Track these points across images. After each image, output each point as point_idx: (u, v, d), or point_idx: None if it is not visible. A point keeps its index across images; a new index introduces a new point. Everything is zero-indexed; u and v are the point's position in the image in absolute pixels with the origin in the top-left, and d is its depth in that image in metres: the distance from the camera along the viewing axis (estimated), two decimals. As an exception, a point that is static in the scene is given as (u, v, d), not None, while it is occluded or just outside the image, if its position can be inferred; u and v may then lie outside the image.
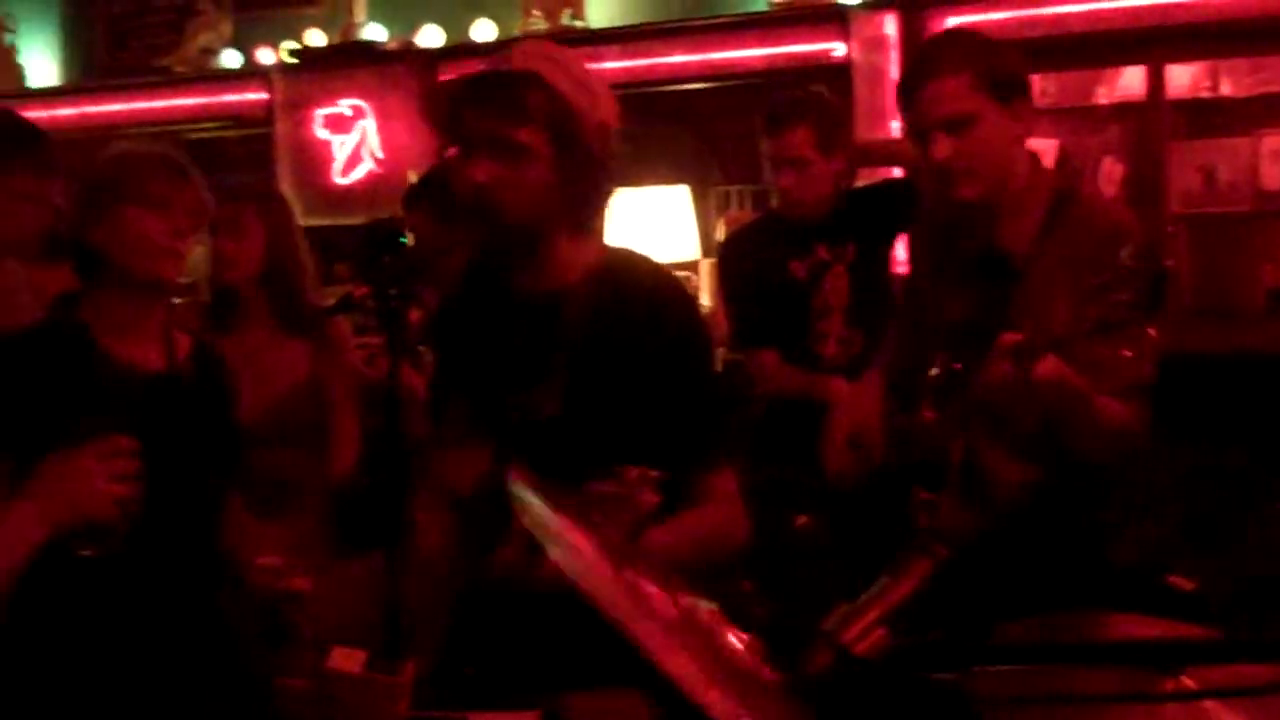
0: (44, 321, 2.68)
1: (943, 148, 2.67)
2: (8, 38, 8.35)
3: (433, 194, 3.66)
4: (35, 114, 3.92)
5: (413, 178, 6.48)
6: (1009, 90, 2.70)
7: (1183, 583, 2.74)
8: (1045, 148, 5.49)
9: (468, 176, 2.30)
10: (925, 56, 2.79)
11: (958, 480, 2.65)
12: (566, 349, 2.35)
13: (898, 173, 4.59)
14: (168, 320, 2.77)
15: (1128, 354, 2.22)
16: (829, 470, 3.01)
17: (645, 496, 2.00)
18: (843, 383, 3.79)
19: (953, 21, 5.63)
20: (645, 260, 2.47)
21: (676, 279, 2.50)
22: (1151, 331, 2.17)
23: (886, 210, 4.21)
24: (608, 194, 2.41)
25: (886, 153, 4.74)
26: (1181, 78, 5.52)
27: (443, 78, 6.72)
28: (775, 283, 4.13)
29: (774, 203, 4.27)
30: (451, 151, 2.36)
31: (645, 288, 2.38)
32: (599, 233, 2.46)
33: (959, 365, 2.58)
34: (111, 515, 2.15)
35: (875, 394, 3.01)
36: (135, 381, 2.61)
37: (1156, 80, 5.41)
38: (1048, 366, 2.37)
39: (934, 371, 2.69)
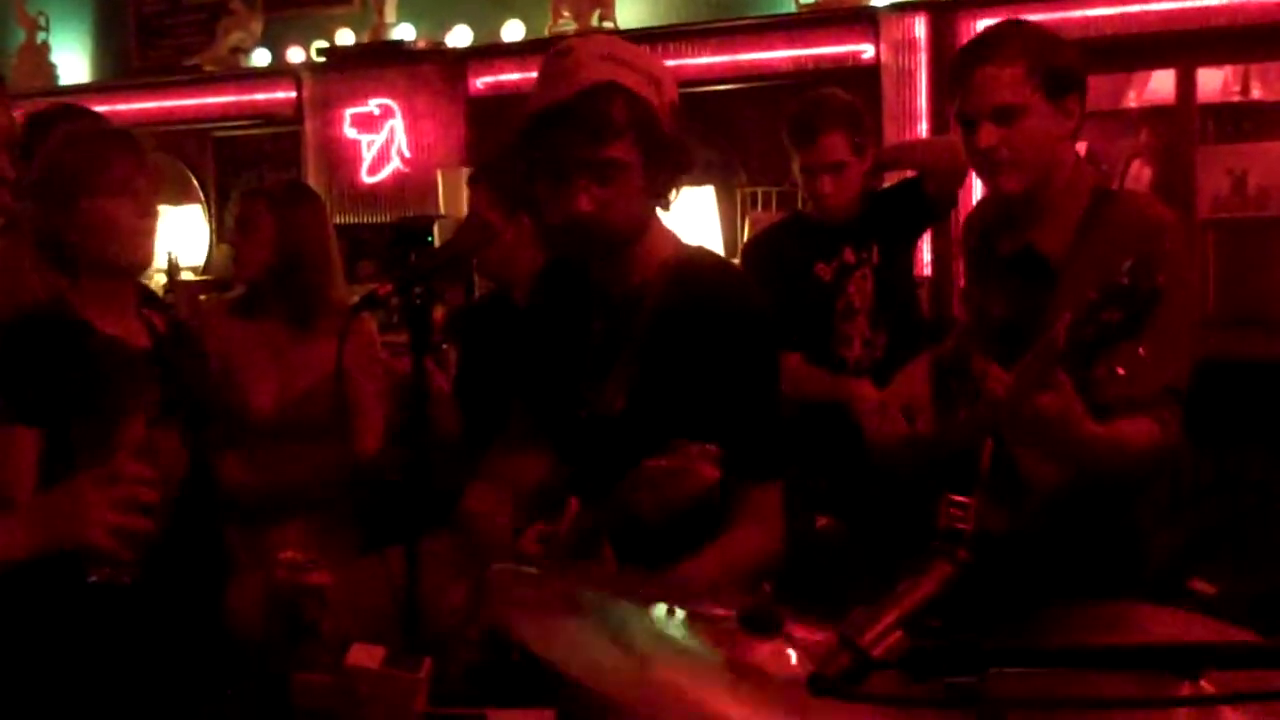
0: (43, 304, 2.70)
1: (989, 135, 2.66)
2: (40, 35, 8.40)
3: (494, 179, 3.66)
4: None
5: (441, 177, 6.51)
6: (1062, 86, 2.67)
7: (1206, 587, 2.72)
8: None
9: (568, 205, 2.29)
10: (981, 42, 2.76)
11: (988, 481, 2.64)
12: (636, 346, 2.36)
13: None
14: (138, 299, 2.79)
15: (1121, 371, 2.20)
16: (875, 441, 2.99)
17: (705, 470, 2.00)
18: (868, 385, 3.78)
19: (983, 24, 5.59)
20: (719, 260, 2.49)
21: (750, 282, 2.49)
22: (1141, 351, 2.16)
23: (910, 211, 4.20)
24: (684, 174, 2.41)
25: (913, 158, 4.73)
26: (1212, 81, 5.49)
27: (472, 78, 6.74)
28: (800, 285, 4.12)
29: (801, 205, 4.26)
30: (540, 185, 2.35)
31: (717, 288, 2.38)
32: (666, 228, 2.46)
33: (994, 365, 2.57)
34: (107, 545, 2.00)
35: (925, 372, 3.01)
36: (126, 358, 2.65)
37: (1186, 84, 5.38)
38: (1047, 401, 2.33)
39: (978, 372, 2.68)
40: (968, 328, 2.99)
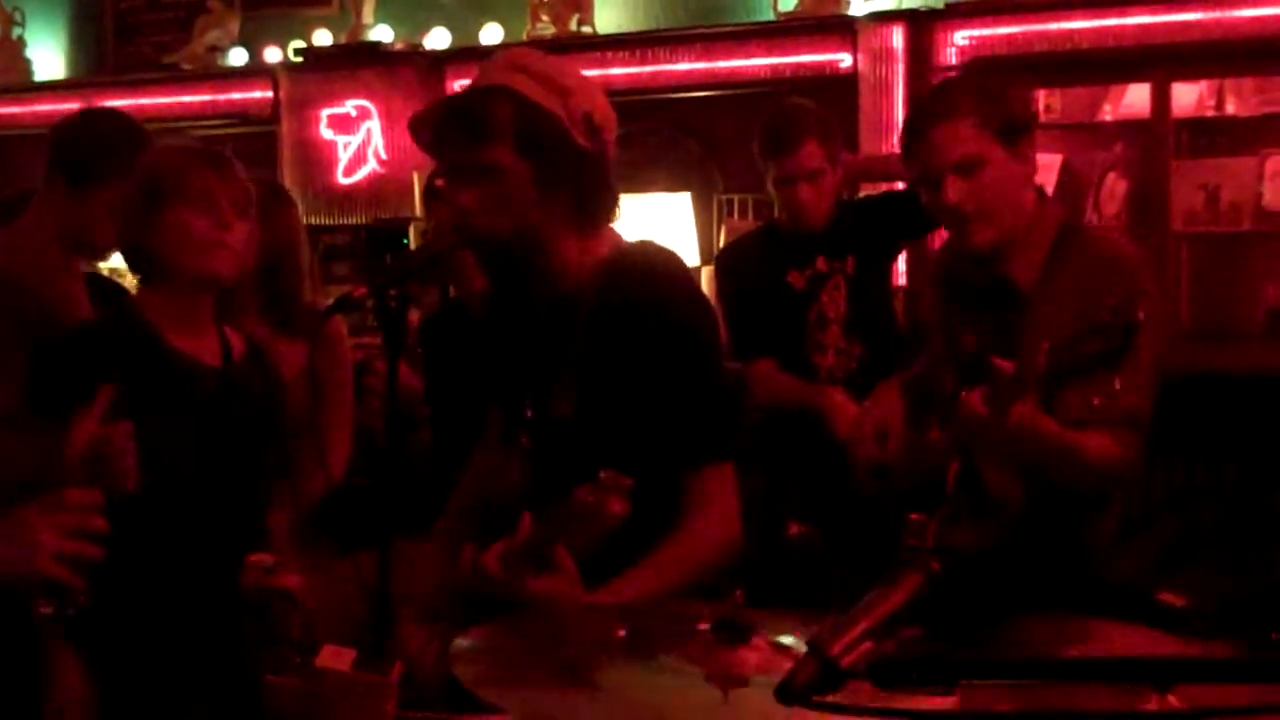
0: (110, 318, 2.73)
1: (955, 191, 2.69)
2: (15, 31, 8.35)
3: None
4: (42, 108, 3.95)
5: (418, 179, 6.50)
6: (1015, 133, 2.72)
7: (1174, 599, 2.74)
8: (1049, 163, 5.49)
9: (455, 203, 2.33)
10: (932, 101, 2.81)
11: (956, 498, 2.66)
12: (577, 349, 2.35)
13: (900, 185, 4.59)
14: (219, 316, 2.81)
15: (1097, 401, 2.25)
16: (858, 462, 3.01)
17: (614, 506, 2.00)
18: (840, 393, 3.79)
19: (960, 35, 5.64)
20: (657, 253, 2.44)
21: (687, 274, 2.48)
22: (1116, 384, 2.20)
23: (888, 223, 4.21)
24: (607, 187, 2.39)
25: (885, 168, 4.75)
26: (1187, 96, 5.52)
27: (450, 80, 6.74)
28: (773, 293, 4.13)
29: (777, 213, 4.27)
30: (439, 181, 2.38)
31: (653, 284, 2.36)
32: (610, 230, 2.45)
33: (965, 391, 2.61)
34: (56, 573, 1.94)
35: (897, 394, 3.03)
36: (198, 376, 2.68)
37: (1162, 98, 5.40)
38: (1020, 412, 2.38)
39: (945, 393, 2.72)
40: (937, 356, 3.02)
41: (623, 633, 1.76)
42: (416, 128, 2.39)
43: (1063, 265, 2.69)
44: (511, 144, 2.27)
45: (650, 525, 2.21)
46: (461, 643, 1.76)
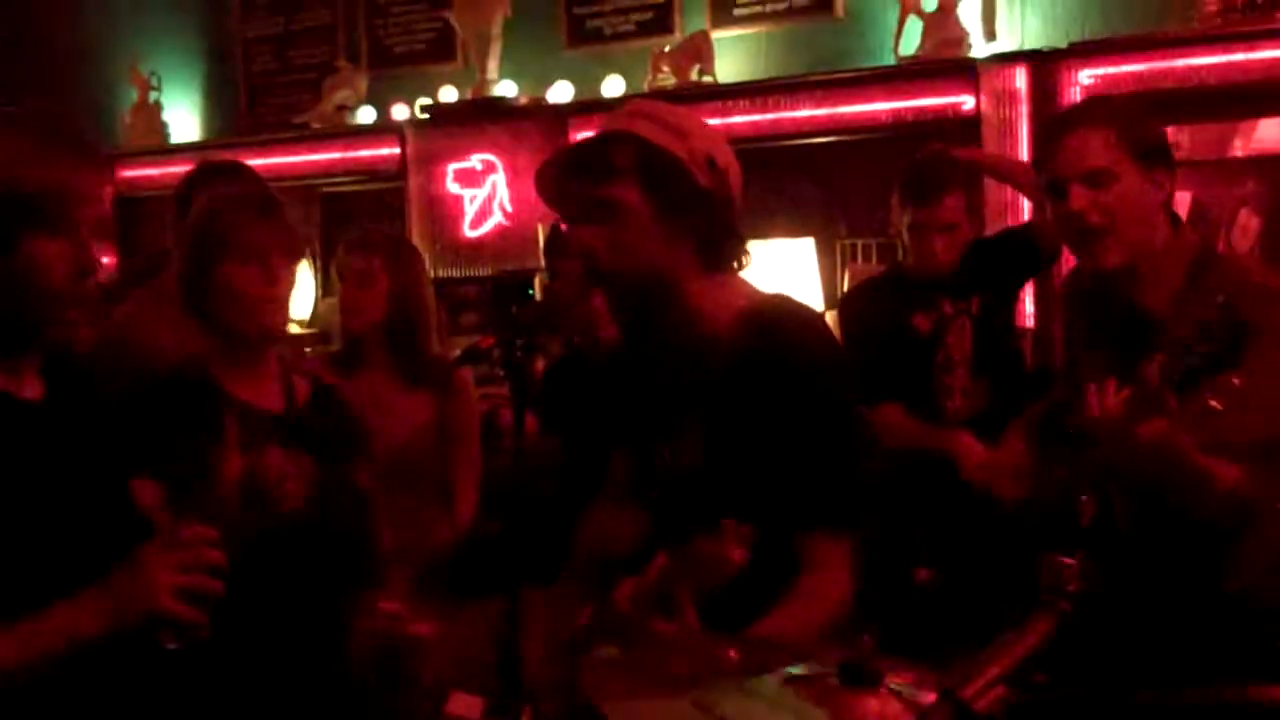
0: (179, 366, 2.76)
1: (1080, 198, 2.64)
2: (152, 95, 8.61)
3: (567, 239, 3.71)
4: (177, 169, 4.07)
5: (543, 231, 6.57)
6: (1151, 156, 2.67)
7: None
8: (1180, 201, 5.40)
9: (578, 245, 2.36)
10: (1069, 111, 2.80)
11: (1089, 540, 2.61)
12: (709, 399, 2.34)
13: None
14: (285, 363, 2.84)
15: (1216, 405, 2.17)
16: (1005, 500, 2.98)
17: (733, 553, 1.99)
18: (968, 435, 3.76)
19: (1085, 74, 5.58)
20: (796, 308, 2.42)
21: (829, 331, 2.45)
22: (1235, 380, 2.12)
23: (1009, 259, 4.18)
24: (731, 231, 2.39)
25: (1011, 171, 4.71)
26: (1319, 129, 5.42)
27: (573, 133, 6.81)
28: (898, 337, 4.11)
29: (902, 257, 4.25)
30: (564, 225, 2.41)
31: (788, 337, 2.32)
32: (742, 277, 2.45)
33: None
34: (179, 610, 2.02)
35: (1026, 438, 3.01)
36: (256, 420, 2.68)
37: (1294, 132, 5.30)
38: (1153, 428, 2.33)
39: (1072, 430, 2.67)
40: (1066, 390, 2.96)
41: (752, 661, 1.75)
42: (543, 177, 2.42)
43: (1197, 296, 2.59)
44: (634, 180, 2.29)
45: (767, 582, 2.20)
46: (595, 655, 1.77)
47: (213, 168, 3.75)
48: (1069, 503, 2.64)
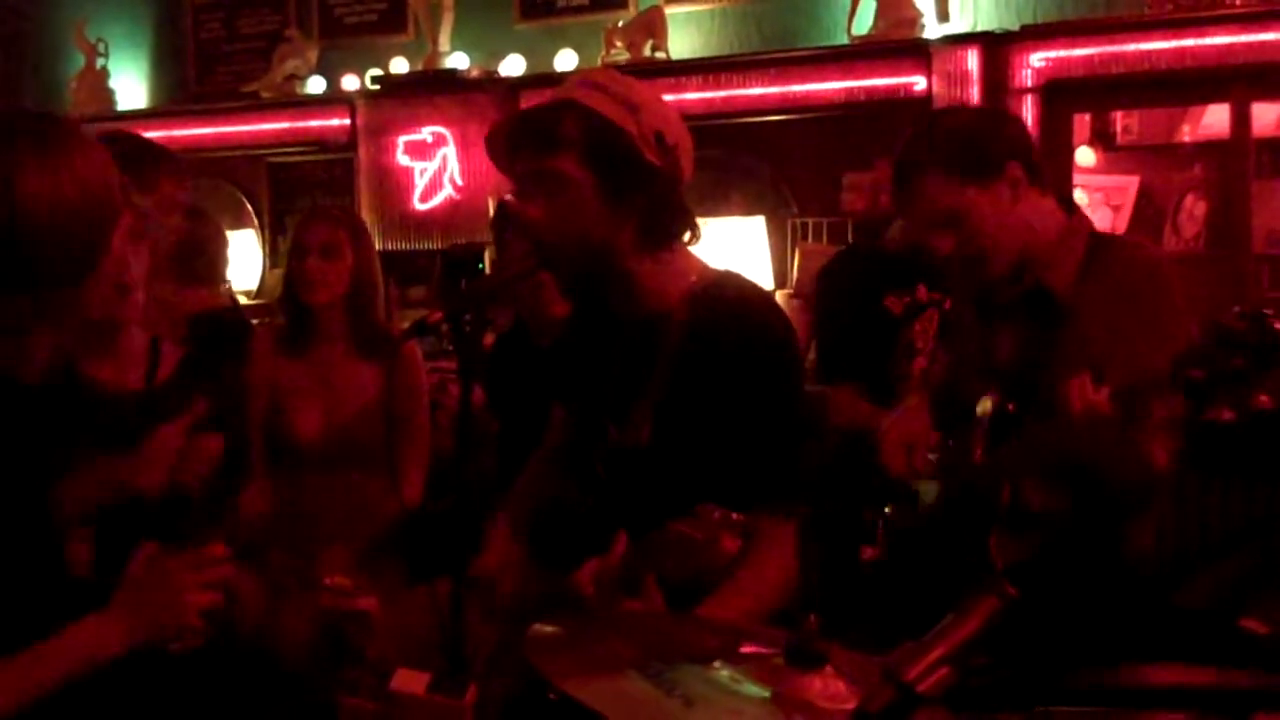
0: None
1: (944, 244, 2.69)
2: (99, 61, 8.51)
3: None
4: (123, 136, 4.02)
5: (492, 204, 6.54)
6: (982, 169, 2.68)
7: (1257, 626, 2.69)
8: (1126, 185, 5.45)
9: (520, 214, 2.34)
10: (900, 161, 2.77)
11: (1007, 517, 2.64)
12: (659, 376, 2.34)
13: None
14: (151, 339, 2.80)
15: (1229, 416, 2.18)
16: (890, 471, 3.01)
17: (728, 543, 1.99)
18: (890, 418, 3.78)
19: (1036, 57, 5.61)
20: (745, 285, 2.43)
21: (776, 307, 2.45)
22: (1264, 399, 2.13)
23: None
24: (679, 209, 2.38)
25: None
26: (1267, 116, 5.46)
27: (524, 107, 6.77)
28: (869, 315, 4.09)
29: (889, 235, 4.25)
30: (509, 196, 2.40)
31: (741, 316, 2.33)
32: (692, 254, 2.44)
33: (1011, 406, 2.59)
34: (195, 625, 2.08)
35: (925, 410, 3.02)
36: (114, 401, 2.66)
37: (1241, 118, 5.34)
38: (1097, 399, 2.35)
39: (983, 412, 2.69)
40: (963, 365, 2.99)
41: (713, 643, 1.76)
42: (492, 143, 2.40)
43: (1099, 272, 2.68)
44: (578, 154, 2.27)
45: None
46: (541, 630, 1.77)
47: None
48: (993, 485, 2.67)
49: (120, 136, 3.54)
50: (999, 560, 2.37)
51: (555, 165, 2.27)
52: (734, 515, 1.96)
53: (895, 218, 4.07)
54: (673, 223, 2.38)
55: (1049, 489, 2.60)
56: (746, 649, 1.71)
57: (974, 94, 5.72)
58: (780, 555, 2.32)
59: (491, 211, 6.51)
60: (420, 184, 7.20)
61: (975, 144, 2.72)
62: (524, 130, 2.33)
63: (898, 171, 2.77)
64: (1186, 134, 5.75)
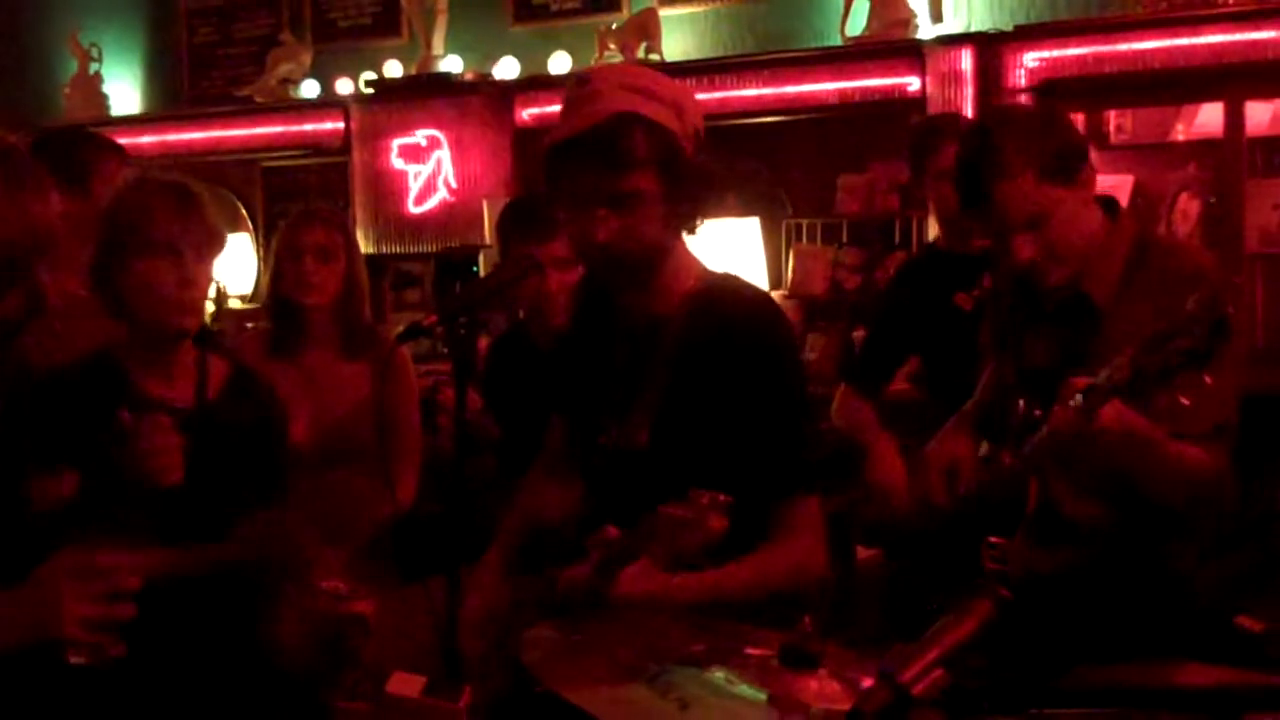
0: (86, 358, 2.68)
1: (1028, 249, 2.65)
2: (92, 66, 8.51)
3: (522, 218, 3.68)
4: (119, 141, 4.01)
5: (488, 207, 6.54)
6: (1071, 168, 2.65)
7: (1252, 624, 2.69)
8: (1120, 184, 5.44)
9: (588, 235, 2.29)
10: (984, 155, 2.67)
11: (1033, 523, 2.63)
12: (659, 377, 2.35)
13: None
14: (201, 354, 2.76)
15: (1186, 401, 2.20)
16: (919, 501, 2.99)
17: (714, 521, 1.99)
18: (886, 440, 3.75)
19: (1030, 57, 5.60)
20: (745, 287, 2.44)
21: (774, 308, 2.45)
22: (1208, 379, 2.14)
23: None
24: (708, 199, 2.38)
25: None
26: (1260, 115, 5.45)
27: (518, 110, 6.78)
28: (940, 316, 4.03)
29: (936, 238, 4.25)
30: (563, 214, 2.37)
31: (738, 316, 2.34)
32: (692, 257, 2.44)
33: (1039, 410, 2.57)
34: (83, 638, 1.98)
35: (966, 431, 3.00)
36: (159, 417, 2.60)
37: (1235, 117, 5.34)
38: (1110, 413, 2.34)
39: (1017, 416, 2.69)
40: (1000, 378, 2.97)
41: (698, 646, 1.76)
42: (552, 167, 2.34)
43: (1140, 278, 2.65)
44: (653, 171, 2.26)
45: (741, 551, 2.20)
46: (535, 635, 1.77)
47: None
48: (1017, 489, 2.66)
49: (50, 139, 3.61)
50: (1005, 565, 2.36)
51: (634, 185, 2.25)
52: (721, 497, 1.96)
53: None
54: (700, 215, 2.39)
55: (1086, 498, 2.59)
56: (743, 648, 1.71)
57: (968, 94, 5.72)
58: (800, 534, 2.33)
59: (487, 215, 6.53)
60: (414, 187, 7.20)
61: (1062, 144, 2.68)
62: (594, 149, 2.26)
63: (969, 174, 2.69)
64: (1180, 133, 5.74)
